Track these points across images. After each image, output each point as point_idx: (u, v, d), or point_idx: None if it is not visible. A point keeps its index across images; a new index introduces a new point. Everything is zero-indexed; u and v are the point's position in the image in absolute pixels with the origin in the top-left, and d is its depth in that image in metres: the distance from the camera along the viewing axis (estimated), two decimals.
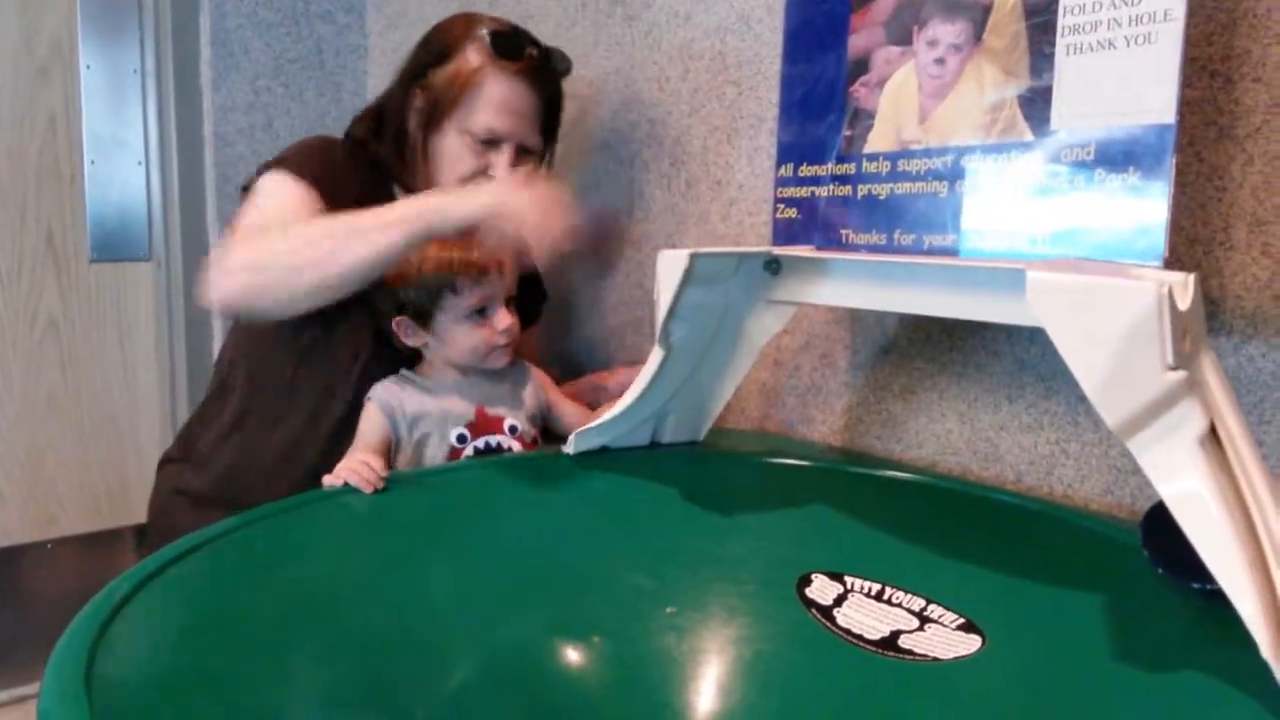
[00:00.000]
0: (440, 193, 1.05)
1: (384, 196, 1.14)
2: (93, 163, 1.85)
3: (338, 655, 0.72)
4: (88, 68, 1.83)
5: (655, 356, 0.92)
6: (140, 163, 1.91)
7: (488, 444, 1.08)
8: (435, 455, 1.07)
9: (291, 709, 0.66)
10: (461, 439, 1.07)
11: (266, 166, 1.15)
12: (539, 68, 1.18)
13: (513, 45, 1.17)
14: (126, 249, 1.90)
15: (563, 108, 1.25)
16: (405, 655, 0.74)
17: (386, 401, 1.07)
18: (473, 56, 1.16)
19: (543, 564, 0.85)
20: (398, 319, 1.08)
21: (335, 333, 1.15)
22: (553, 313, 1.50)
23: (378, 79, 1.86)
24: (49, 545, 1.87)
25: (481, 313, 1.07)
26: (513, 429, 1.10)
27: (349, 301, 1.04)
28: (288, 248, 0.99)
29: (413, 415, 1.06)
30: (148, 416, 1.95)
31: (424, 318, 1.07)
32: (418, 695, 0.72)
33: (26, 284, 1.80)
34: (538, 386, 1.16)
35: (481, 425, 1.09)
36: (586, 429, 0.97)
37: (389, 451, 1.06)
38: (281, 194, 1.10)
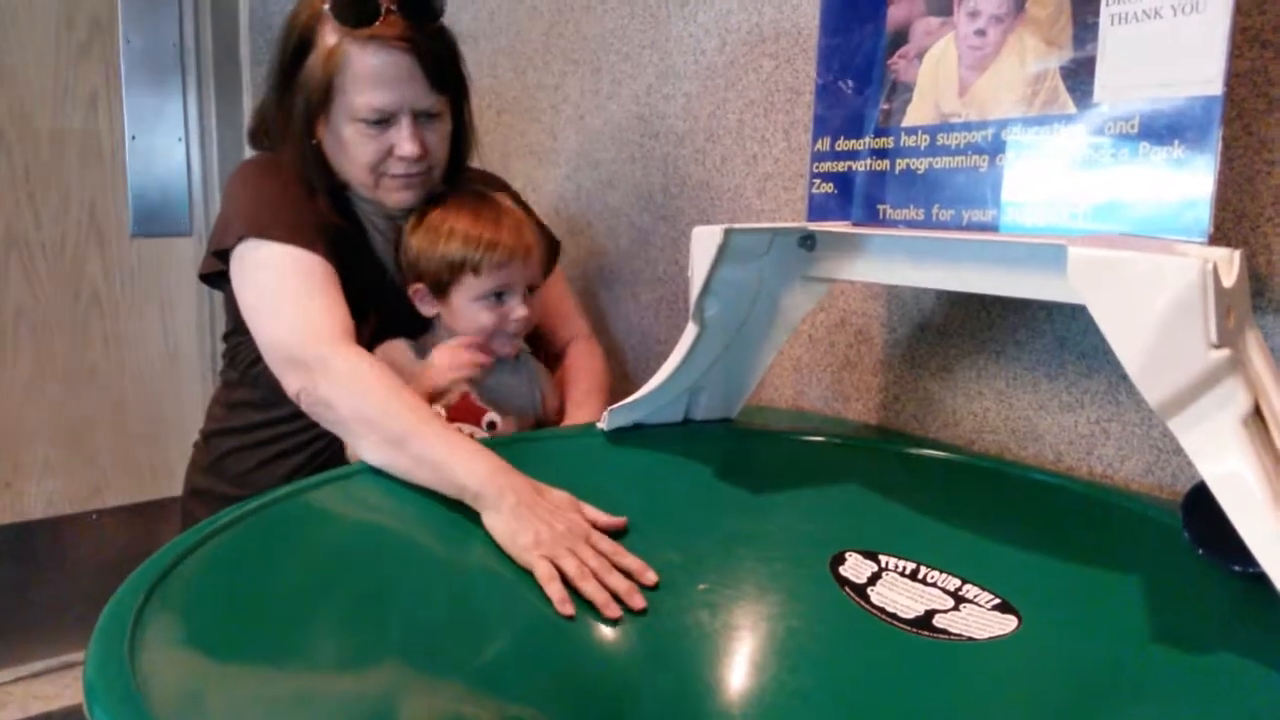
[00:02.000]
0: (510, 476, 0.87)
1: (315, 196, 1.11)
2: (134, 138, 1.87)
3: (372, 627, 0.72)
4: (128, 43, 1.85)
5: (689, 333, 0.91)
6: (180, 138, 1.93)
7: (459, 430, 1.06)
8: None
9: (326, 679, 0.67)
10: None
11: (240, 235, 1.06)
12: (403, 23, 1.04)
13: (361, 10, 1.03)
14: (167, 224, 1.93)
15: (456, 52, 1.12)
16: (438, 627, 0.75)
17: (399, 348, 1.08)
18: (329, 36, 1.04)
19: None
20: (415, 286, 1.09)
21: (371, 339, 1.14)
22: (588, 289, 1.49)
23: None
24: (93, 516, 1.91)
25: (499, 296, 1.07)
26: (490, 425, 1.09)
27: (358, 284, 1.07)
28: (378, 419, 0.92)
29: (408, 378, 1.06)
30: (189, 389, 1.98)
31: (441, 290, 1.08)
32: (451, 666, 0.73)
33: (70, 258, 1.83)
34: (535, 388, 1.16)
35: (460, 410, 1.08)
36: (620, 405, 0.97)
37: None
38: (285, 270, 1.04)
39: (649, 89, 1.35)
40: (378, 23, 1.03)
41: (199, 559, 0.69)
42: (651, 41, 1.34)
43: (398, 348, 1.10)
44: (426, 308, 1.10)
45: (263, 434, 1.20)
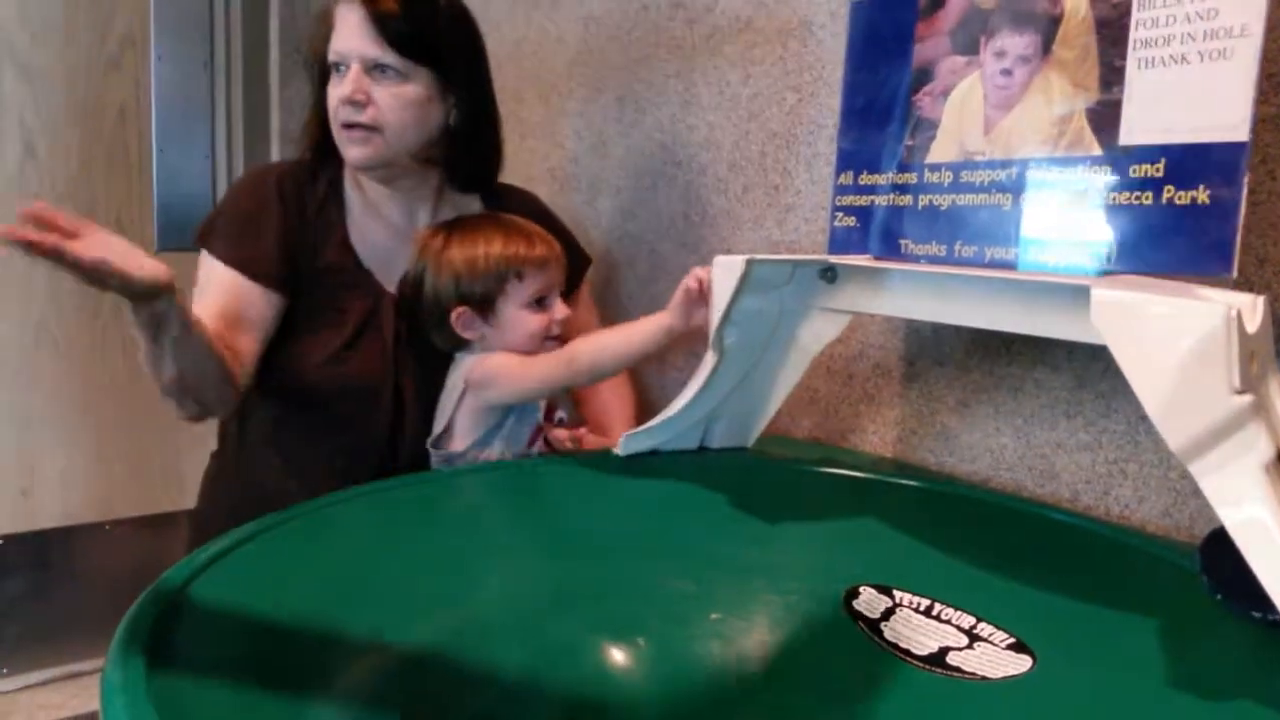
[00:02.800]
0: None
1: (328, 209, 1.18)
2: (161, 153, 1.89)
3: (385, 647, 0.72)
4: (159, 59, 1.87)
5: (708, 361, 0.92)
6: (207, 155, 1.95)
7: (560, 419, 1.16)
8: (524, 429, 1.12)
9: (340, 697, 0.67)
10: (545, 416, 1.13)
11: (203, 235, 1.16)
12: None
13: None
14: (192, 238, 1.94)
15: (439, 24, 1.14)
16: (450, 650, 0.75)
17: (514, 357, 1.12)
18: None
19: (589, 563, 0.86)
20: (458, 310, 1.10)
21: (358, 343, 1.16)
22: (605, 314, 1.50)
23: None
24: (107, 526, 1.92)
25: (540, 302, 1.11)
26: (560, 421, 1.15)
27: (367, 309, 1.15)
28: None
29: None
30: None
31: (487, 306, 1.10)
32: (462, 689, 0.73)
33: None
34: None
35: (547, 410, 1.15)
36: (636, 432, 0.97)
37: None
38: (204, 282, 1.14)
39: (673, 118, 1.36)
40: None
41: (218, 572, 0.69)
42: (676, 71, 1.35)
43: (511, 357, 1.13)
44: (470, 332, 1.12)
45: (269, 446, 1.20)
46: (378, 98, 1.11)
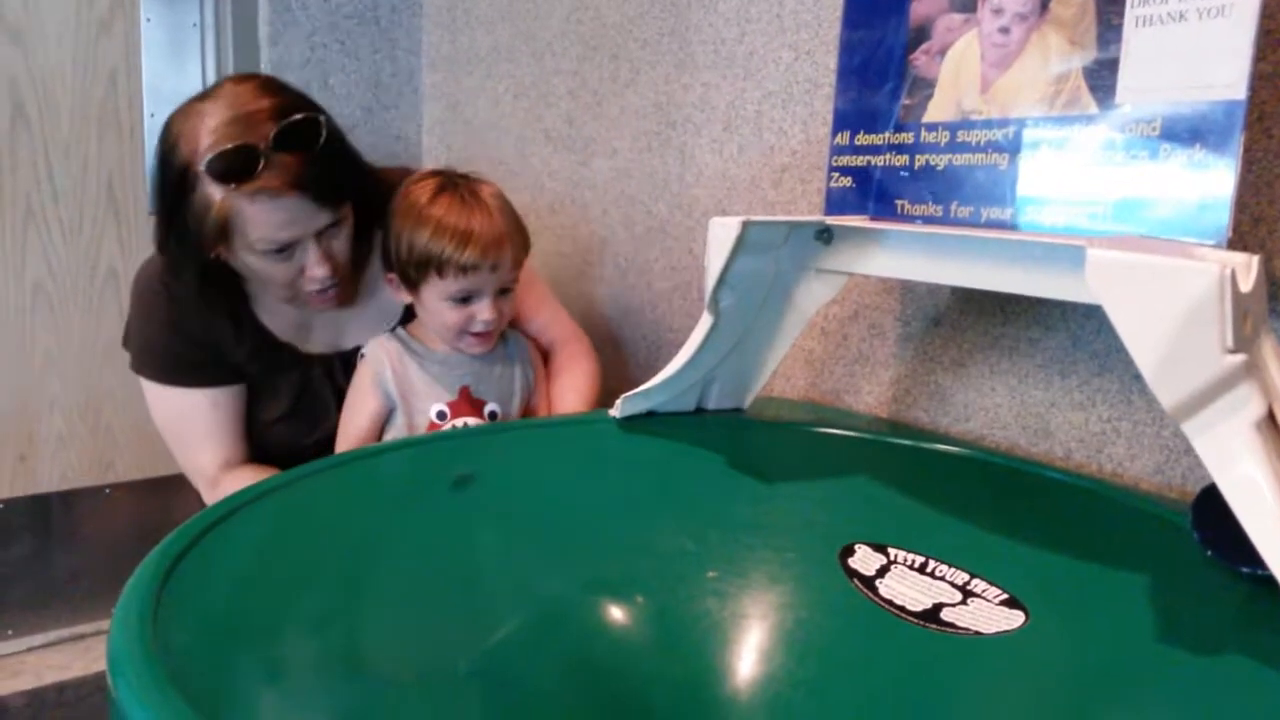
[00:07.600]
0: None
1: (227, 299, 1.15)
2: (152, 115, 1.88)
3: (386, 608, 0.73)
4: (148, 20, 1.85)
5: (703, 323, 0.92)
6: None
7: (466, 425, 1.10)
8: (419, 425, 1.10)
9: (341, 657, 0.68)
10: (441, 415, 1.09)
11: (137, 365, 1.18)
12: (285, 163, 1.01)
13: (237, 167, 1.00)
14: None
15: (342, 150, 1.10)
16: (451, 609, 0.76)
17: (378, 368, 1.10)
18: (210, 189, 1.01)
19: (587, 524, 0.86)
20: (389, 275, 1.11)
21: (299, 410, 1.19)
22: (601, 275, 1.50)
23: (433, 35, 1.86)
24: (106, 490, 1.92)
25: (466, 300, 1.08)
26: (492, 415, 1.11)
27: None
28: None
29: (399, 379, 1.09)
30: None
31: (411, 285, 1.10)
32: (462, 648, 0.74)
33: (88, 234, 1.84)
34: (528, 366, 1.17)
35: (462, 406, 1.11)
36: (633, 394, 0.98)
37: (381, 426, 1.10)
38: (168, 411, 1.18)
39: (667, 78, 1.35)
40: (259, 175, 1.00)
41: (219, 535, 0.70)
42: (671, 29, 1.34)
43: (389, 348, 1.12)
44: (402, 295, 1.12)
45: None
46: (337, 251, 1.10)
